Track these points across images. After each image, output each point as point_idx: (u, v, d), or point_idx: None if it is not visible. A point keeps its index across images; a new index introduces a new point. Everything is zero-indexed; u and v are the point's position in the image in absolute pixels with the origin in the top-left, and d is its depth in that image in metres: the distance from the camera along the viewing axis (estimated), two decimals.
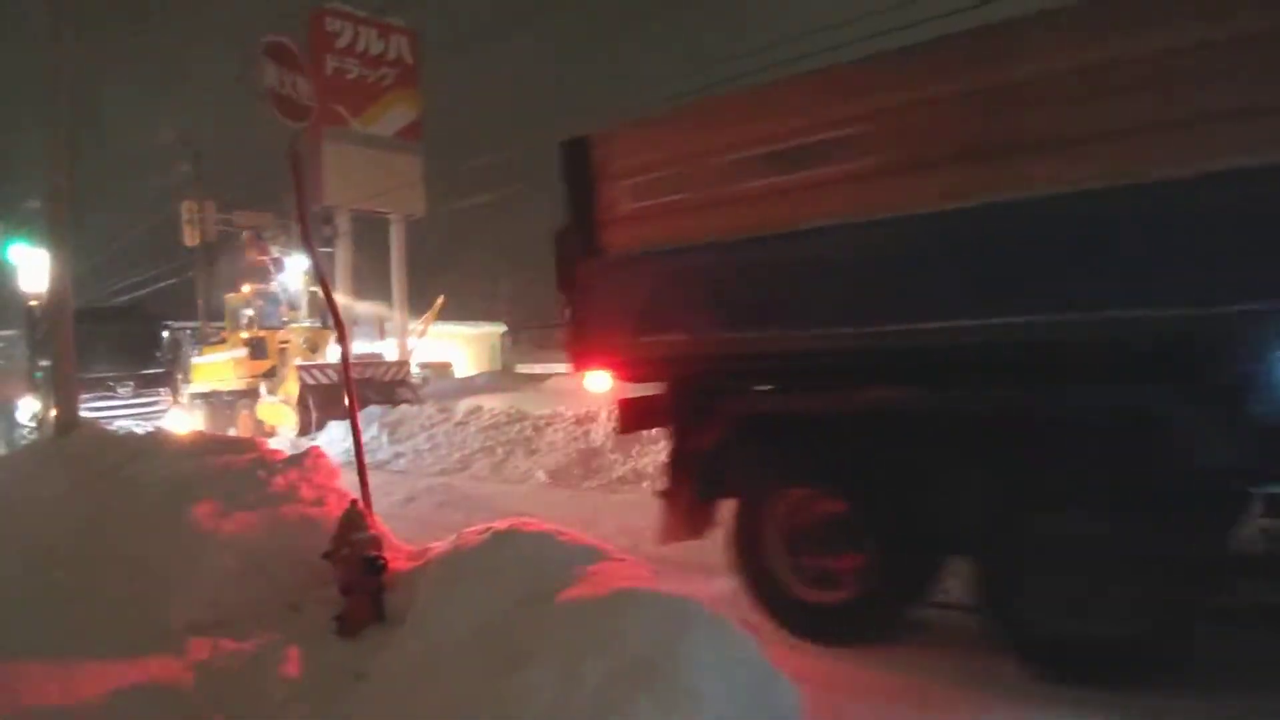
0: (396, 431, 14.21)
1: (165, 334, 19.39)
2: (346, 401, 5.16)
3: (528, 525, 4.24)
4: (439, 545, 4.55)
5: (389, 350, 25.40)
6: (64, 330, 8.72)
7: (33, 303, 17.44)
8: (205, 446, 6.11)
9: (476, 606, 3.71)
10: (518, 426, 12.77)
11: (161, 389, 18.00)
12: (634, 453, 11.04)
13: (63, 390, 8.69)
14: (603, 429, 11.92)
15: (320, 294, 17.94)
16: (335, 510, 4.98)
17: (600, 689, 3.09)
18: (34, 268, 27.95)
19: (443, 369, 34.37)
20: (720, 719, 3.17)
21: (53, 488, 6.83)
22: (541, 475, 11.05)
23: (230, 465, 5.33)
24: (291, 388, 16.55)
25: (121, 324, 18.68)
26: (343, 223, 24.88)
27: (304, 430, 15.90)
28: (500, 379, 24.11)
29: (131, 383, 17.43)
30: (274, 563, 4.70)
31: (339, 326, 5.31)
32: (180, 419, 17.55)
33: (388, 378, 18.00)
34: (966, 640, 4.40)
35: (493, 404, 15.26)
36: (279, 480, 5.09)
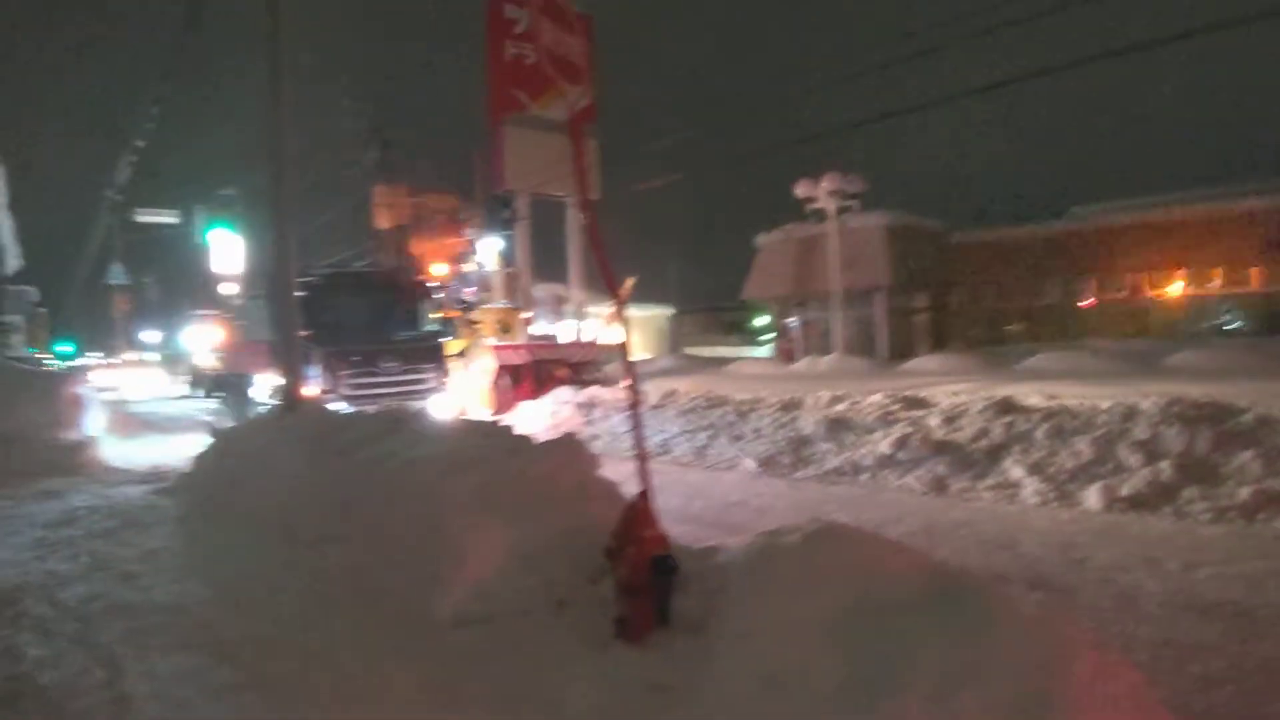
0: (590, 413, 14.03)
1: (434, 300, 16.13)
2: (627, 387, 4.63)
3: (844, 528, 3.74)
4: (728, 545, 4.10)
5: (567, 332, 25.52)
6: (287, 304, 8.79)
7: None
8: (447, 430, 5.89)
9: (801, 618, 3.25)
10: (719, 411, 12.31)
11: (429, 365, 14.64)
12: (849, 443, 10.42)
13: (288, 366, 8.78)
14: (811, 416, 11.32)
15: (510, 273, 17.87)
16: (598, 500, 4.63)
17: None
18: (227, 250, 29.94)
19: (614, 350, 34.40)
20: None
21: (289, 465, 6.81)
22: (750, 463, 10.55)
23: (483, 450, 5.04)
24: (486, 368, 16.69)
25: (385, 290, 15.76)
26: (522, 206, 25.10)
27: (499, 411, 15.97)
28: (681, 362, 23.81)
29: (397, 358, 14.16)
30: (539, 554, 4.36)
31: (617, 299, 4.79)
32: (450, 401, 14.89)
33: (578, 359, 17.93)
34: None
35: (685, 387, 14.91)
36: (537, 467, 4.76)
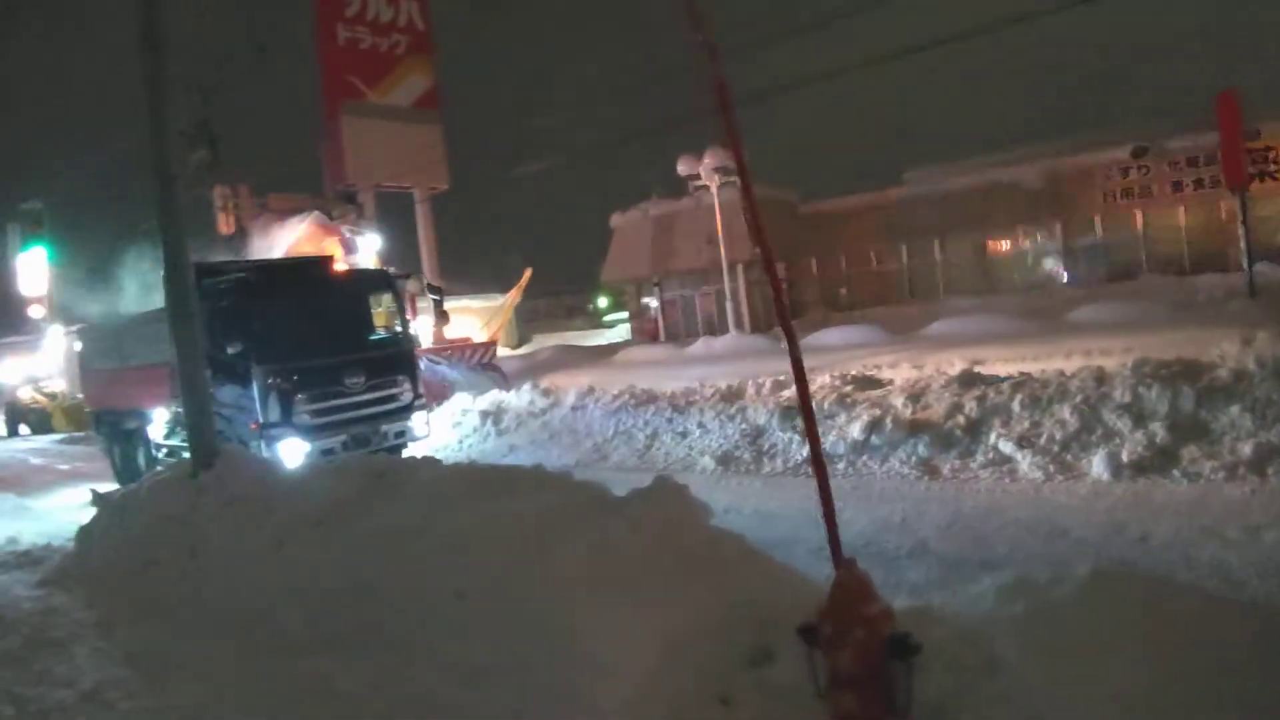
0: (501, 421, 12.85)
1: (397, 290, 12.02)
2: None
3: (1117, 573, 2.97)
4: (938, 605, 3.26)
5: (424, 330, 24.00)
6: (185, 311, 7.20)
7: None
8: (474, 481, 4.72)
9: (1108, 695, 2.47)
10: (652, 408, 11.41)
11: (402, 376, 11.04)
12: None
13: (194, 402, 7.21)
14: (760, 405, 10.59)
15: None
16: (734, 562, 3.68)
17: None
18: (34, 270, 26.68)
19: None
20: None
21: (236, 542, 5.48)
22: (708, 461, 9.74)
23: (553, 508, 3.96)
24: None
25: (337, 284, 11.88)
26: (367, 202, 23.33)
27: None
28: (565, 355, 22.69)
29: (362, 370, 10.49)
30: (687, 642, 3.37)
31: (776, 290, 3.67)
32: (428, 425, 11.52)
33: (473, 361, 16.56)
34: None
35: (596, 382, 13.95)
36: (642, 527, 3.74)
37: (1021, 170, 26.94)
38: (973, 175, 28.25)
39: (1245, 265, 16.14)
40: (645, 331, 32.18)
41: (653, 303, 31.58)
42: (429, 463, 5.47)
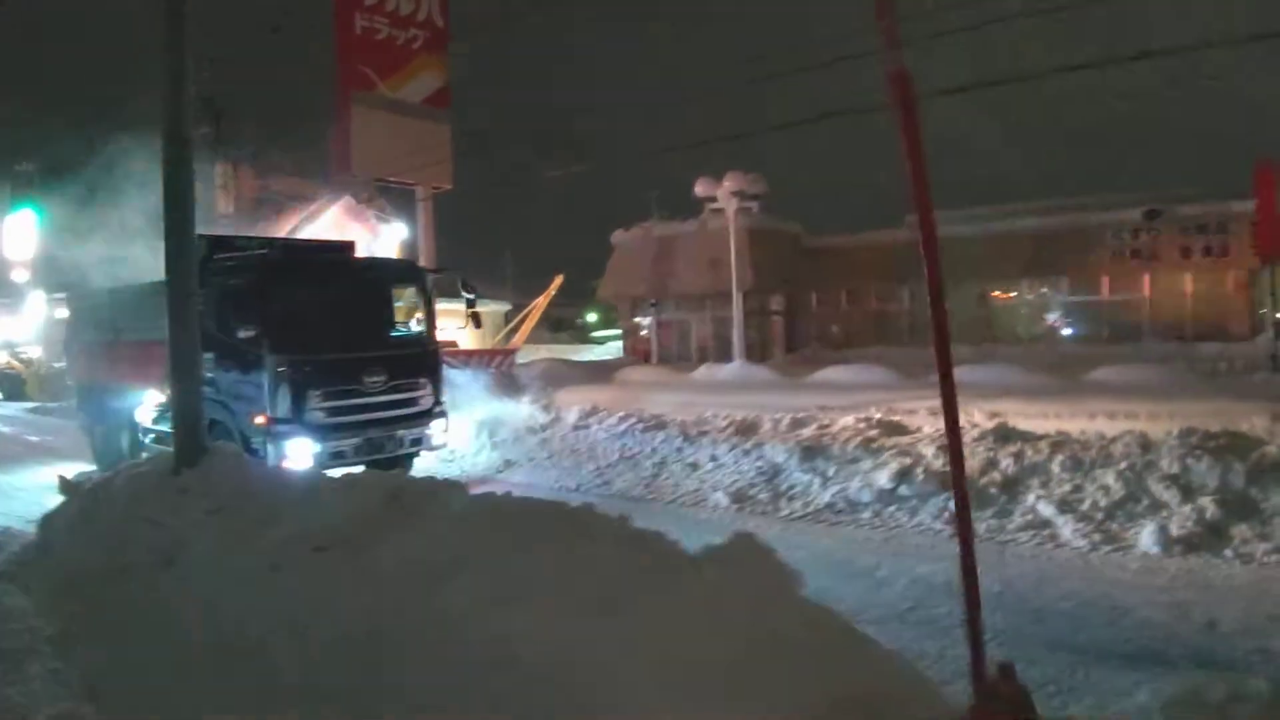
0: (498, 433, 12.22)
1: (427, 286, 10.98)
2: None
3: None
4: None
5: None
6: (185, 287, 6.61)
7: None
8: (509, 514, 4.12)
9: None
10: (660, 435, 10.85)
11: (425, 378, 10.24)
12: (832, 475, 9.21)
13: (184, 391, 6.60)
14: (778, 442, 10.04)
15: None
16: (833, 645, 3.11)
17: None
18: (21, 233, 25.94)
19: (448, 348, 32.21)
20: None
21: (225, 557, 4.84)
22: (722, 498, 9.15)
23: (616, 563, 3.37)
24: None
25: (359, 271, 11.12)
26: (371, 194, 22.75)
27: None
28: (561, 368, 22.02)
29: (383, 369, 9.63)
30: None
31: (935, 290, 2.94)
32: (446, 432, 10.61)
33: (491, 368, 15.93)
34: None
35: (597, 400, 13.35)
36: (726, 598, 3.15)
37: (1029, 223, 26.66)
38: (978, 224, 27.92)
39: (1273, 338, 15.81)
40: (637, 351, 31.60)
41: (645, 322, 31.03)
42: (451, 487, 4.85)
